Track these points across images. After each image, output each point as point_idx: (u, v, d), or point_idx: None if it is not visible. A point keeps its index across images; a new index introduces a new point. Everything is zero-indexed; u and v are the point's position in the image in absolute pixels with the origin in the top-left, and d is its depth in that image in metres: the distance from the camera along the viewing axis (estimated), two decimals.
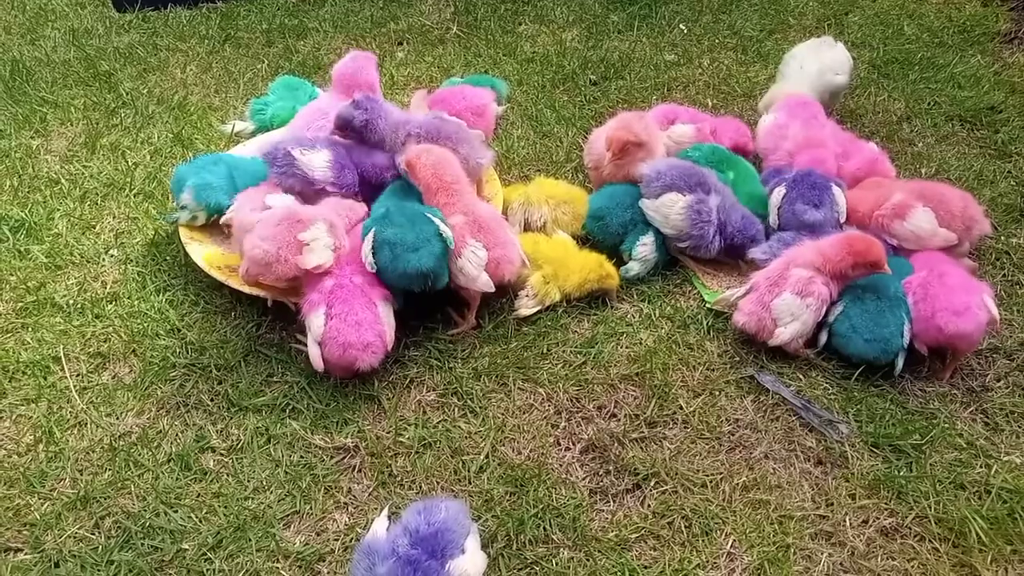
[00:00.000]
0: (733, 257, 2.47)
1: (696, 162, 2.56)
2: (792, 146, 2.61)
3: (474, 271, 2.17)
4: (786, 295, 2.15)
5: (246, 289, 2.23)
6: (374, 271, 2.10)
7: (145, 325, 2.31)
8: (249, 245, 2.10)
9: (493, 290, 2.21)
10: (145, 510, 1.86)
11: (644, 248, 2.42)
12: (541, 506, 1.86)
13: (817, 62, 2.94)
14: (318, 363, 2.05)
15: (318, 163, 2.35)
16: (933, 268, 2.19)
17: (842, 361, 2.18)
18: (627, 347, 2.25)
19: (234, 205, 2.35)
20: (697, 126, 2.76)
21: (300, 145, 2.38)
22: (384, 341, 2.07)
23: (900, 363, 2.12)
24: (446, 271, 2.16)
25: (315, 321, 2.04)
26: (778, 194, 2.45)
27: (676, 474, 1.92)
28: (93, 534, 1.82)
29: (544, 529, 1.82)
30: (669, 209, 2.38)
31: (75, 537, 1.81)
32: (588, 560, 1.76)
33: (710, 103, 3.30)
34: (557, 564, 1.75)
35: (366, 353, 2.03)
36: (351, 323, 2.03)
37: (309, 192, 2.37)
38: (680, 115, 2.81)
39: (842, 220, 2.41)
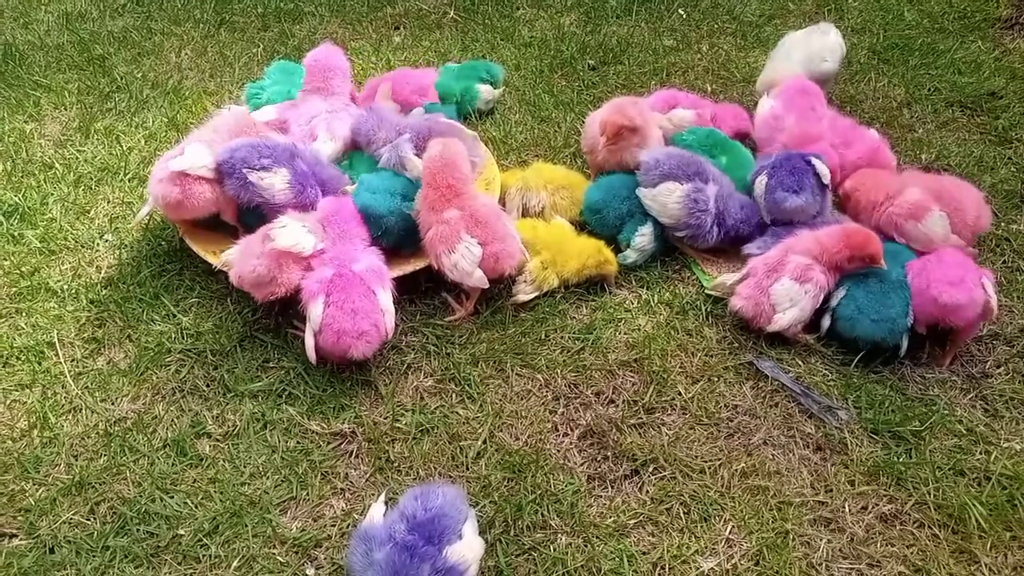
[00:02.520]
0: (737, 246, 2.45)
1: (690, 146, 2.55)
2: (787, 139, 2.59)
3: (468, 267, 2.16)
4: (785, 280, 2.14)
5: None
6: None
7: (140, 310, 2.29)
8: (248, 268, 2.10)
9: (487, 286, 2.20)
10: (141, 496, 1.85)
11: (642, 239, 2.41)
12: (539, 492, 1.85)
13: (805, 49, 2.91)
14: (312, 354, 2.05)
15: (279, 185, 2.29)
16: (935, 250, 2.20)
17: (842, 347, 2.17)
18: (625, 333, 2.24)
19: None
20: (697, 111, 2.75)
21: (257, 167, 2.28)
22: (380, 330, 2.06)
23: (904, 344, 2.11)
24: (397, 227, 2.28)
25: (314, 310, 2.03)
26: (760, 184, 2.41)
27: (674, 460, 1.91)
28: (88, 520, 1.81)
29: (542, 515, 1.81)
30: (667, 198, 2.36)
31: (70, 523, 1.80)
32: (586, 546, 1.76)
33: (709, 88, 3.28)
34: (555, 550, 1.75)
35: (360, 341, 2.02)
36: (347, 311, 2.02)
37: (266, 208, 2.32)
38: (681, 101, 2.80)
39: (827, 184, 2.39)
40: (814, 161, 2.38)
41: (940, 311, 2.07)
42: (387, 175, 2.39)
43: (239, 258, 2.14)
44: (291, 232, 2.13)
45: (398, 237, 2.30)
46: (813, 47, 2.91)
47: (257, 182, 2.27)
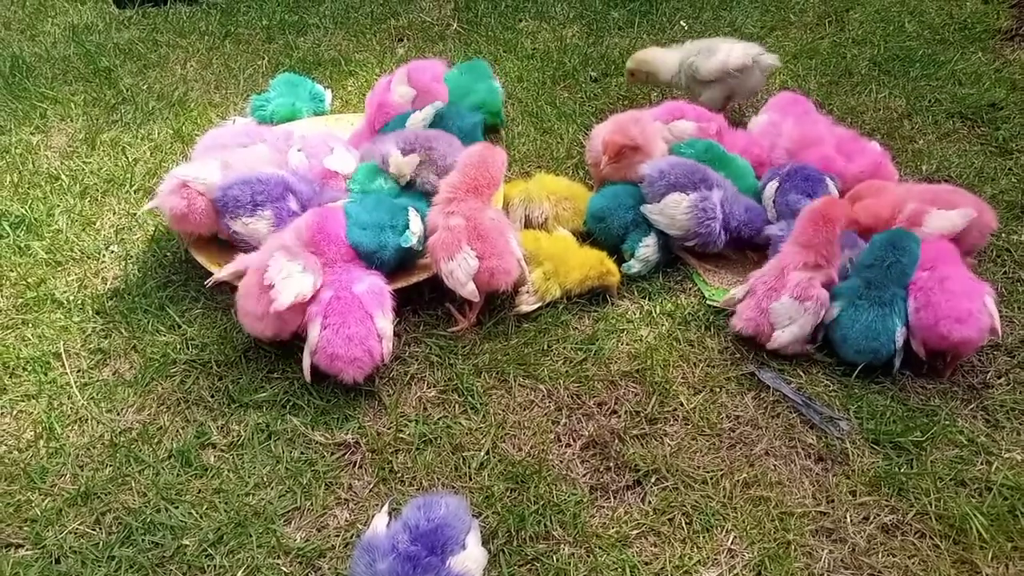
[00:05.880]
0: (740, 249, 2.46)
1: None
2: (789, 144, 2.61)
3: (463, 277, 2.17)
4: (785, 299, 2.14)
5: None
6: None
7: (146, 321, 2.31)
8: (258, 330, 2.10)
9: (477, 300, 2.21)
10: (146, 506, 1.86)
11: (647, 249, 2.42)
12: (542, 502, 1.86)
13: (697, 44, 2.97)
14: (307, 374, 2.07)
15: (263, 229, 2.30)
16: (935, 269, 2.15)
17: (846, 360, 2.18)
18: (628, 344, 2.25)
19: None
20: (700, 125, 2.72)
21: (247, 205, 2.31)
22: (373, 357, 2.06)
23: (898, 362, 2.12)
24: (391, 259, 2.25)
25: (312, 332, 2.05)
26: (771, 187, 2.45)
27: (677, 470, 1.92)
28: (94, 530, 1.82)
29: (545, 525, 1.82)
30: (674, 210, 2.37)
31: (76, 533, 1.82)
32: (589, 556, 1.76)
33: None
34: (558, 560, 1.75)
35: (351, 367, 2.03)
36: (342, 336, 2.03)
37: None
38: (687, 113, 2.76)
39: None
40: (827, 180, 2.42)
41: (950, 346, 2.08)
42: (371, 204, 2.32)
43: (242, 305, 2.11)
44: (293, 286, 2.05)
45: (394, 265, 2.28)
46: (701, 43, 2.97)
47: (241, 230, 2.31)
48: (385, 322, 2.09)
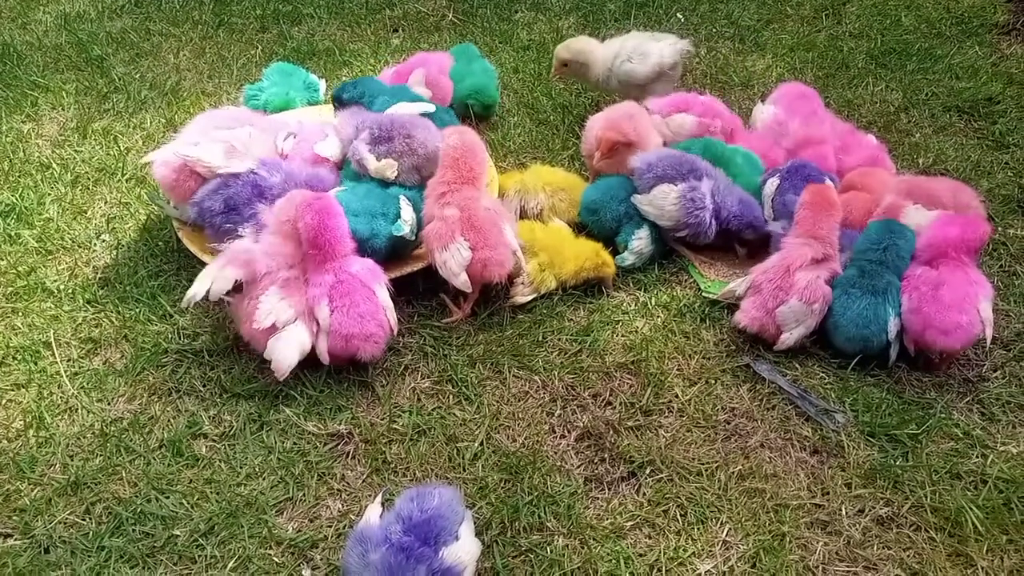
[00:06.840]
0: (730, 241, 2.45)
1: None
2: (791, 143, 2.60)
3: (455, 268, 2.16)
4: (793, 302, 2.12)
5: None
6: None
7: (137, 311, 2.29)
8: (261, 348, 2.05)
9: (470, 290, 2.20)
10: (136, 496, 1.84)
11: (640, 242, 2.41)
12: (536, 494, 1.85)
13: (620, 45, 2.91)
14: (325, 357, 2.05)
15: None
16: (938, 268, 2.12)
17: (838, 350, 2.17)
18: (623, 335, 2.24)
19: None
20: (700, 120, 2.67)
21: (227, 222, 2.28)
22: (385, 330, 2.07)
23: (893, 354, 2.12)
24: (384, 248, 2.26)
25: (321, 314, 2.04)
26: (771, 186, 2.44)
27: (671, 462, 1.91)
28: (84, 520, 1.81)
29: (539, 517, 1.81)
30: (663, 201, 2.37)
31: (65, 523, 1.80)
32: (583, 548, 1.75)
33: (707, 93, 3.27)
34: (552, 551, 1.74)
35: (368, 344, 2.04)
36: (354, 316, 2.03)
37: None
38: (693, 106, 2.71)
39: None
40: (827, 180, 2.40)
41: (935, 352, 2.11)
42: (362, 193, 2.31)
43: (239, 320, 2.09)
44: (292, 348, 2.03)
45: (386, 254, 2.27)
46: (627, 46, 2.90)
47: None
48: (384, 293, 2.11)
